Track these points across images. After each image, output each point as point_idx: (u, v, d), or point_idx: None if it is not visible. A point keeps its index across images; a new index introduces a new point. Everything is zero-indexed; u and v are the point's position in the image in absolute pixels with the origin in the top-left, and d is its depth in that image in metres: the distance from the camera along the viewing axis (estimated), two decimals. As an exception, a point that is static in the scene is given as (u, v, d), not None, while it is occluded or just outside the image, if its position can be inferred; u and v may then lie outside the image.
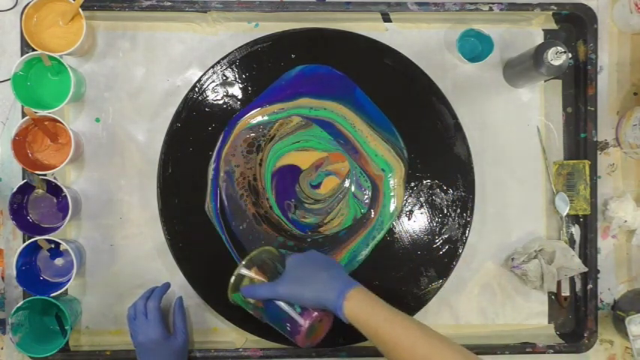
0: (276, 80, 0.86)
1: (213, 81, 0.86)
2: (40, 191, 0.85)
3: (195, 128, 0.85)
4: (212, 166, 0.86)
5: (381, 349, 0.67)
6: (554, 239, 0.91)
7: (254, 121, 0.86)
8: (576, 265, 0.87)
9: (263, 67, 0.86)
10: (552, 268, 0.87)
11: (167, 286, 0.86)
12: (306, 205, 0.87)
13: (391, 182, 0.87)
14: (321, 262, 0.74)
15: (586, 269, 0.88)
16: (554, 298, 0.91)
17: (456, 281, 0.90)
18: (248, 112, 0.86)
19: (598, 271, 0.90)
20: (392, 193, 0.87)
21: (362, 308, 0.68)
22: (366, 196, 0.87)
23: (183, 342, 0.82)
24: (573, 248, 0.90)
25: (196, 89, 0.85)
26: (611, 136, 0.92)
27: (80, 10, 0.82)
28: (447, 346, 0.65)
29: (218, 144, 0.86)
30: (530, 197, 0.92)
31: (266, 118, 0.86)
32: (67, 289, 0.86)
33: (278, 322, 0.73)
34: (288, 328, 0.71)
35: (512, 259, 0.89)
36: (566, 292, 0.90)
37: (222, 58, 0.86)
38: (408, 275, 0.87)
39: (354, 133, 0.87)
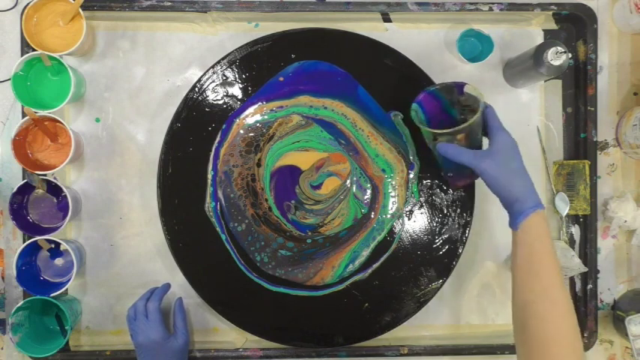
0: (273, 77, 0.86)
1: (213, 81, 0.86)
2: (40, 191, 0.85)
3: (195, 128, 0.85)
4: (210, 165, 0.86)
5: (516, 264, 0.69)
6: (554, 239, 0.91)
7: (252, 119, 0.86)
8: (576, 265, 0.87)
9: (263, 67, 0.86)
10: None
11: (167, 286, 0.86)
12: (307, 206, 0.86)
13: (392, 183, 0.87)
14: (520, 161, 0.72)
15: (586, 269, 0.88)
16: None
17: (456, 281, 0.90)
18: (245, 110, 0.86)
19: (598, 271, 0.90)
20: (392, 194, 0.87)
21: (531, 236, 0.68)
22: (367, 197, 0.87)
23: (183, 342, 0.82)
24: (573, 248, 0.90)
25: (196, 89, 0.85)
26: (611, 136, 0.92)
27: (80, 10, 0.82)
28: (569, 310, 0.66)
29: (215, 143, 0.86)
30: (530, 197, 0.91)
31: (265, 116, 0.86)
32: (67, 289, 0.86)
33: (444, 165, 0.77)
34: (450, 175, 0.78)
35: None
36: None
37: (222, 58, 0.86)
38: (408, 275, 0.87)
39: (355, 133, 0.87)
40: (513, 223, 0.70)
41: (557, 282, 0.66)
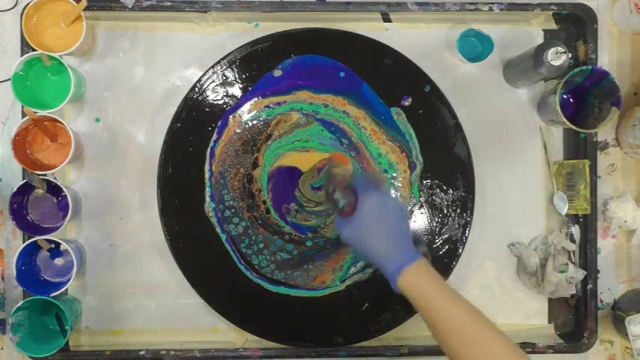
0: (270, 72, 0.85)
1: (213, 81, 0.86)
2: (40, 191, 0.85)
3: (195, 128, 0.85)
4: (207, 166, 0.85)
5: (429, 326, 0.66)
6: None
7: (249, 116, 0.85)
8: (576, 274, 0.87)
9: (263, 67, 0.86)
10: (557, 276, 0.87)
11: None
12: (308, 208, 0.86)
13: (394, 183, 0.87)
14: (392, 220, 0.69)
15: (585, 273, 0.88)
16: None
17: (456, 281, 0.90)
18: (240, 107, 0.85)
19: (598, 271, 0.90)
20: (394, 194, 0.87)
21: (415, 286, 0.66)
22: (367, 197, 0.87)
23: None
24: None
25: (196, 89, 0.85)
26: (611, 136, 0.92)
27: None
28: (496, 335, 0.63)
29: (211, 142, 0.85)
30: (530, 197, 0.91)
31: (262, 113, 0.86)
32: (67, 289, 0.86)
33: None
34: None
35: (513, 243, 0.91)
36: (572, 290, 0.89)
37: (222, 58, 0.86)
38: (408, 275, 0.87)
39: (358, 132, 0.86)
40: (394, 287, 0.68)
41: (463, 325, 0.63)
